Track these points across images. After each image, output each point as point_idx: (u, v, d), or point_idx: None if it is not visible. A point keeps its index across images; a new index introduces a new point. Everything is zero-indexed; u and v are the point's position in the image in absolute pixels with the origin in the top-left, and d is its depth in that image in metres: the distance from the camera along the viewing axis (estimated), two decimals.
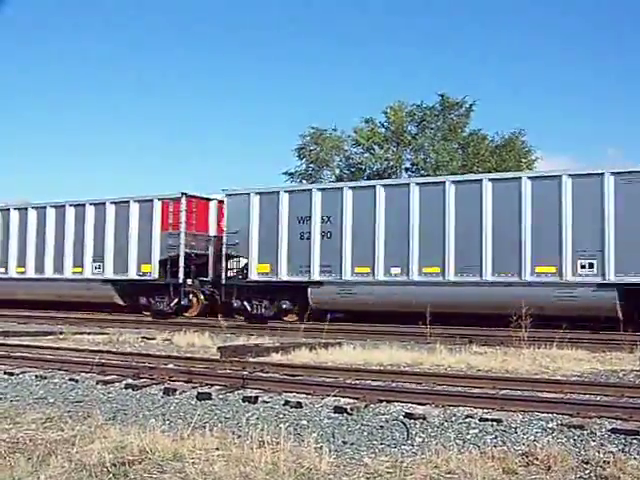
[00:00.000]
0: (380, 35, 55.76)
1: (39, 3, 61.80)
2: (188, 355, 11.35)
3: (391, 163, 32.91)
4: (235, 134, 64.24)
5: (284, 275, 18.83)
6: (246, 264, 19.60)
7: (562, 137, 50.71)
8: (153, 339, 14.65)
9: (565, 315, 15.02)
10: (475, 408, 6.63)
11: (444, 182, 17.52)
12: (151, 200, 21.15)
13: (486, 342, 12.95)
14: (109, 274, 21.70)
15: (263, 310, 19.07)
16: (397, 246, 17.41)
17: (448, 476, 4.67)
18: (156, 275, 20.71)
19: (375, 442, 5.74)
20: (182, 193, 20.66)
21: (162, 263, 20.67)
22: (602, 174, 15.74)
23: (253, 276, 19.24)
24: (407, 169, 33.69)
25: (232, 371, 9.03)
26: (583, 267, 15.64)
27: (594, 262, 15.53)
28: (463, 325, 15.46)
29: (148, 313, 21.03)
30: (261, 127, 62.29)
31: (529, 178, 16.62)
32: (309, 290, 18.38)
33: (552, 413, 6.39)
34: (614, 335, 14.02)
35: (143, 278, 21.01)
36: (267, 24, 61.03)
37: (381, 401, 6.99)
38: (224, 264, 19.95)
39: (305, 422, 6.41)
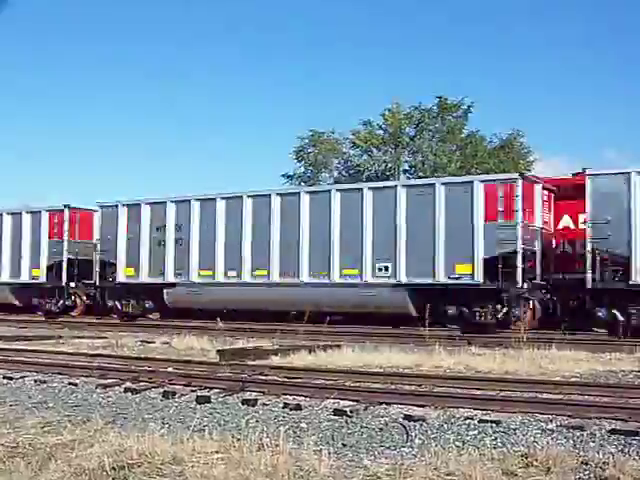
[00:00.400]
0: (378, 36, 55.72)
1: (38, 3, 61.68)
2: (187, 358, 11.34)
3: (389, 165, 32.94)
4: (234, 136, 64.28)
5: (145, 277, 21.05)
6: (116, 268, 21.46)
7: (560, 138, 50.76)
8: (152, 342, 14.67)
9: (366, 312, 17.67)
10: (474, 410, 6.63)
11: (270, 195, 19.55)
12: (39, 211, 23.62)
13: (485, 344, 12.96)
14: (5, 278, 23.97)
15: (131, 309, 21.27)
16: (233, 252, 19.66)
17: (448, 478, 4.67)
18: (44, 279, 23.05)
19: (375, 444, 5.74)
20: (65, 205, 23.05)
21: (50, 268, 23.01)
22: (395, 186, 17.97)
23: (120, 278, 21.42)
24: (405, 171, 33.76)
25: (231, 374, 9.02)
26: (380, 270, 17.55)
27: (389, 265, 17.42)
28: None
29: (41, 313, 23.13)
30: (260, 129, 62.33)
31: (337, 190, 18.98)
32: (164, 291, 20.57)
33: (551, 414, 6.38)
34: (613, 336, 14.05)
35: (34, 281, 23.35)
36: (265, 25, 61.02)
37: (380, 403, 6.99)
38: (98, 268, 21.98)
39: (304, 425, 6.40)
